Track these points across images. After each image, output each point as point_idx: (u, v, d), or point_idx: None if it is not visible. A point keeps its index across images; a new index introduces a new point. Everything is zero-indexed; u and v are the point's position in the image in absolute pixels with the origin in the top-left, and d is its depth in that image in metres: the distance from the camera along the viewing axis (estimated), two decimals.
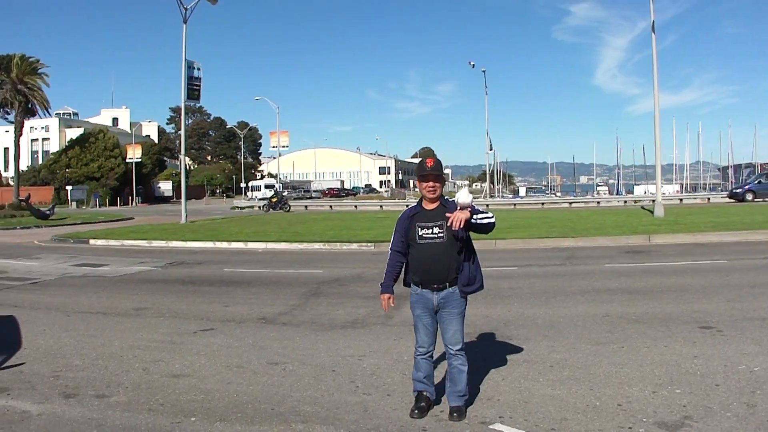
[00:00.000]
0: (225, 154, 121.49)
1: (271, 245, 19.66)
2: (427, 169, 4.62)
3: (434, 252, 4.57)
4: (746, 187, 42.18)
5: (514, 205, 46.18)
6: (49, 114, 64.70)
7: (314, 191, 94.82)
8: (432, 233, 4.57)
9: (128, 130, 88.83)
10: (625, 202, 43.16)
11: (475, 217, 4.44)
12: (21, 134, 52.37)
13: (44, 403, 5.13)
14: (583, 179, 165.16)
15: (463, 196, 4.44)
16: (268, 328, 8.03)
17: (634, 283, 10.48)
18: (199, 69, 32.43)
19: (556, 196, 72.23)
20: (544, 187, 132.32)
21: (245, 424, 4.63)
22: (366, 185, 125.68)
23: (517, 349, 6.59)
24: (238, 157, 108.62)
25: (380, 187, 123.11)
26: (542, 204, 45.63)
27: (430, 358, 4.79)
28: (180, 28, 31.17)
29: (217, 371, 6.07)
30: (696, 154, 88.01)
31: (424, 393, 4.79)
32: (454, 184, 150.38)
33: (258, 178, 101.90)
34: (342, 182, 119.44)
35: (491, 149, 58.20)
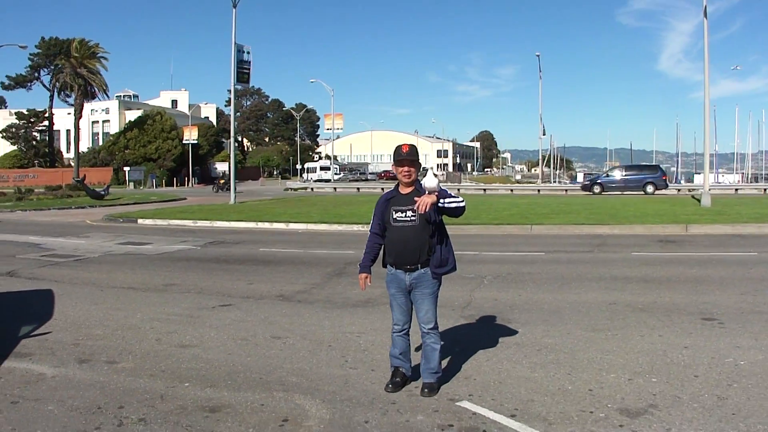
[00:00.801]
0: (282, 136, 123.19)
1: (311, 226, 20.08)
2: (402, 155, 4.84)
3: (407, 234, 4.81)
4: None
5: (566, 191, 45.51)
6: (108, 97, 67.10)
7: (370, 173, 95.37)
8: (405, 216, 4.80)
9: (187, 112, 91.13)
10: (678, 190, 41.90)
11: (442, 201, 4.64)
12: (81, 116, 54.53)
13: (59, 367, 5.64)
14: None
15: (428, 181, 4.63)
16: (283, 305, 8.41)
17: (654, 273, 10.41)
18: (248, 53, 33.15)
19: None
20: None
21: (232, 391, 5.00)
22: (423, 168, 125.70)
23: (512, 332, 6.76)
24: (296, 138, 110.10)
25: (438, 170, 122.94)
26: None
27: (405, 335, 5.04)
28: (231, 12, 31.87)
29: (222, 343, 6.48)
30: (759, 143, 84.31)
31: (400, 369, 5.05)
32: (513, 168, 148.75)
33: (315, 159, 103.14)
34: None
35: (544, 134, 57.42)
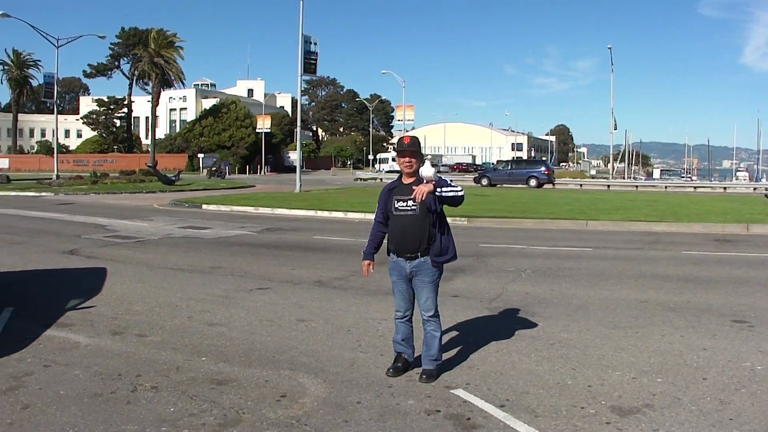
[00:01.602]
0: (357, 126, 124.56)
1: (369, 215, 20.23)
2: (404, 146, 4.99)
3: (407, 223, 4.95)
4: None
5: (636, 187, 44.16)
6: (184, 85, 69.72)
7: (442, 165, 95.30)
8: (406, 206, 4.94)
9: (262, 101, 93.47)
10: (755, 189, 39.88)
11: (439, 189, 4.77)
12: (158, 104, 57.06)
13: (94, 337, 6.11)
14: (726, 163, 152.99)
15: (425, 170, 4.78)
16: (318, 290, 8.69)
17: (697, 272, 10.12)
18: (315, 44, 33.74)
19: (692, 180, 67.73)
20: (681, 170, 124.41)
21: (243, 366, 5.31)
22: (498, 161, 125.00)
23: (531, 326, 6.79)
24: (369, 129, 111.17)
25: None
26: (665, 187, 43.29)
27: (408, 321, 5.20)
28: (298, 4, 32.51)
29: (249, 323, 6.82)
30: None
31: (403, 355, 5.22)
32: (590, 163, 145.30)
33: (387, 150, 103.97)
34: (473, 157, 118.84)
35: (615, 128, 55.91)
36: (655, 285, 9.07)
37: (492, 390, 4.84)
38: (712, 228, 16.35)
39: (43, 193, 30.02)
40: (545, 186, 39.30)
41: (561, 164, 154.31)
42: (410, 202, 4.92)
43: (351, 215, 20.63)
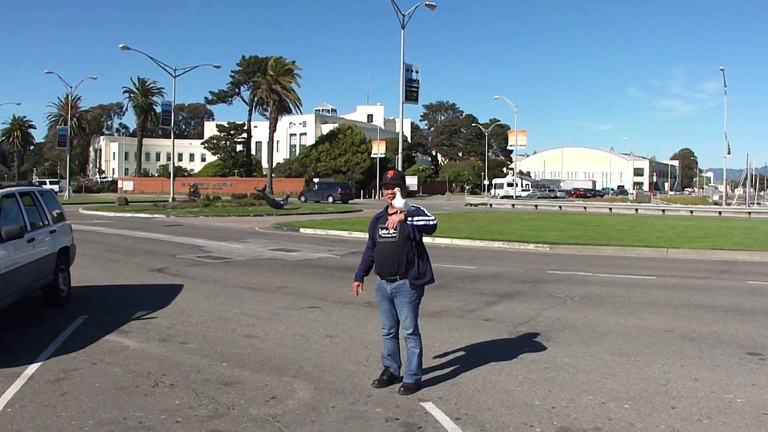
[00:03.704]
0: (476, 151, 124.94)
1: (456, 241, 20.82)
2: (387, 180, 5.66)
3: (388, 249, 5.60)
4: None
5: (749, 213, 41.27)
6: (301, 111, 73.23)
7: (559, 191, 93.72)
8: (388, 233, 5.60)
9: (382, 126, 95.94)
10: None
11: (409, 219, 5.39)
12: (275, 129, 60.48)
13: (143, 342, 7.22)
14: None
15: (396, 202, 5.48)
16: (362, 311, 9.38)
17: (747, 302, 9.94)
18: (417, 72, 34.80)
19: None
20: None
21: (253, 372, 6.15)
22: (619, 186, 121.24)
23: (540, 349, 7.12)
24: (490, 154, 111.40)
25: (633, 188, 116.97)
26: None
27: (393, 338, 5.81)
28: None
29: (282, 337, 7.66)
30: None
31: (389, 369, 5.83)
32: (715, 188, 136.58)
33: (504, 175, 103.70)
34: (594, 183, 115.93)
35: (729, 153, 52.87)
36: (692, 314, 9.01)
37: (459, 405, 5.32)
38: None
39: (156, 215, 32.21)
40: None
41: (685, 190, 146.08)
42: (391, 230, 5.57)
43: (438, 240, 20.96)
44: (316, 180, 71.11)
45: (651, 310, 9.40)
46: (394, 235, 5.58)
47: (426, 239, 21.65)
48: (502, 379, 6.04)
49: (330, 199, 52.68)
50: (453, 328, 8.24)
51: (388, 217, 5.52)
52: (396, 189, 5.50)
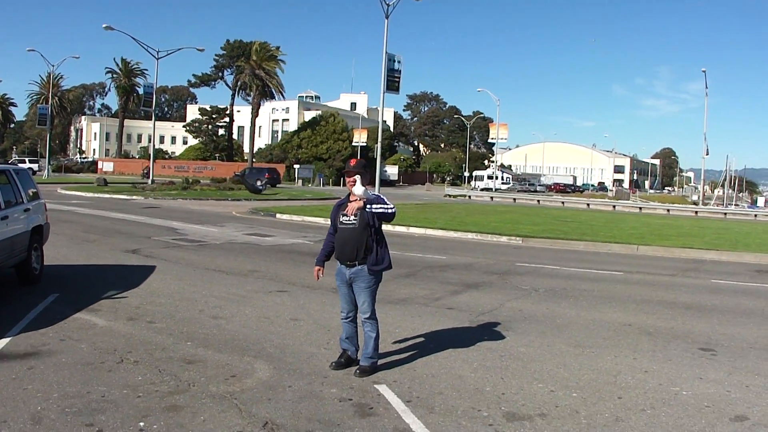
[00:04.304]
0: (458, 143, 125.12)
1: (430, 231, 21.03)
2: (349, 167, 5.84)
3: (347, 235, 5.77)
4: None
5: (725, 214, 42.13)
6: (283, 97, 72.77)
7: (539, 185, 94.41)
8: (349, 220, 5.77)
9: (365, 115, 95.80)
10: None
11: (369, 206, 5.56)
12: (257, 115, 60.19)
13: (111, 321, 7.32)
14: None
15: (356, 189, 5.68)
16: (329, 296, 9.47)
17: (707, 300, 10.24)
18: (399, 62, 34.82)
19: None
20: None
21: (215, 351, 6.29)
22: (599, 183, 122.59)
23: (497, 338, 7.33)
24: (472, 146, 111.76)
25: (613, 185, 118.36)
26: (755, 216, 41.14)
27: (351, 322, 5.98)
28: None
29: (247, 319, 7.79)
30: None
31: (347, 351, 6.00)
32: (695, 188, 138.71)
33: (485, 168, 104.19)
34: (574, 178, 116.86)
35: (707, 154, 53.90)
36: (652, 310, 9.29)
37: (412, 389, 5.51)
38: (762, 258, 15.87)
39: (134, 197, 32.23)
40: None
41: (665, 189, 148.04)
42: (352, 217, 5.73)
43: (413, 230, 21.29)
44: (296, 166, 71.01)
45: (613, 304, 9.68)
46: (354, 221, 5.74)
47: (400, 229, 21.90)
48: (457, 366, 6.24)
49: (258, 183, 50.91)
50: (416, 315, 8.43)
51: (348, 204, 5.70)
52: (356, 177, 5.66)
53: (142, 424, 4.50)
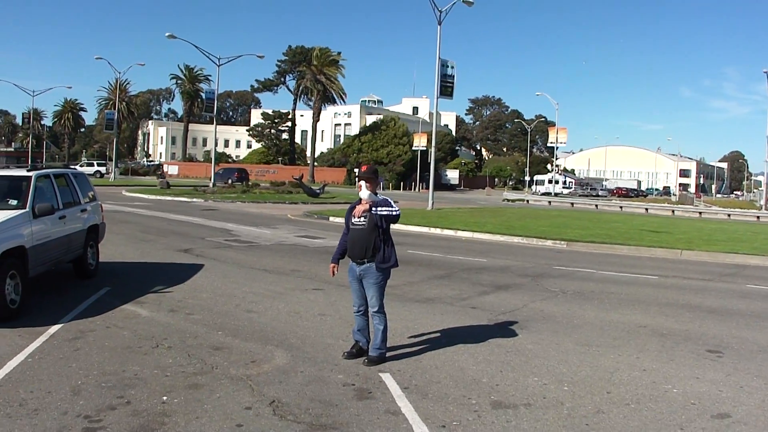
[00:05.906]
0: (520, 147, 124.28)
1: (477, 235, 21.30)
2: (361, 173, 6.44)
3: (357, 235, 6.34)
4: None
5: None
6: (344, 101, 74.11)
7: (602, 190, 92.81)
8: (359, 221, 6.34)
9: (426, 119, 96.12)
10: None
11: (374, 209, 6.10)
12: (318, 119, 61.57)
13: (154, 312, 8.13)
14: None
15: (361, 193, 6.27)
16: None
17: (734, 305, 10.28)
18: (452, 67, 35.23)
19: None
20: None
21: (242, 340, 6.96)
22: (664, 187, 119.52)
23: (509, 336, 7.72)
24: (534, 150, 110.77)
25: (678, 189, 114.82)
26: None
27: (363, 315, 6.53)
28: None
29: (278, 313, 8.45)
30: None
31: (358, 343, 6.55)
32: (763, 192, 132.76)
33: (547, 171, 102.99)
34: (639, 182, 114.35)
35: None
36: (673, 313, 9.44)
37: (412, 377, 6.00)
38: None
39: (194, 199, 33.62)
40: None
41: (733, 193, 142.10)
42: (362, 219, 6.30)
43: (461, 233, 21.57)
44: (356, 171, 71.88)
45: (635, 307, 9.86)
46: (363, 223, 6.30)
47: (448, 232, 22.31)
48: (462, 359, 6.68)
49: (229, 181, 49.53)
50: (439, 313, 8.89)
51: (356, 206, 6.27)
52: (362, 182, 6.24)
53: (165, 398, 5.18)
